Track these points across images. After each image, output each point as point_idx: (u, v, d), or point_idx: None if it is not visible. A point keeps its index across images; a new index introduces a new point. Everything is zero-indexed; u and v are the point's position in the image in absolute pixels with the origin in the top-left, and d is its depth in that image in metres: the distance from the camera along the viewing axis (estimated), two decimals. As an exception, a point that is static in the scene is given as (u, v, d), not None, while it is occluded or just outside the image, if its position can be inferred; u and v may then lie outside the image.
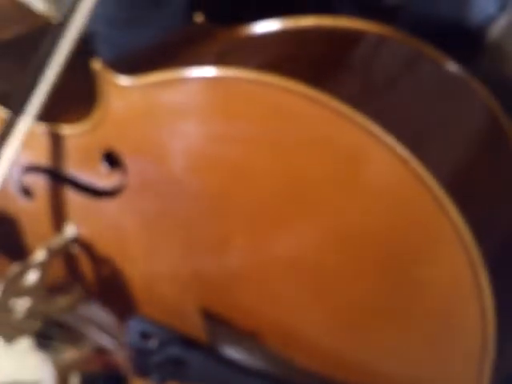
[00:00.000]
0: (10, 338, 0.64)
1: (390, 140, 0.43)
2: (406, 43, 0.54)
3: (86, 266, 0.64)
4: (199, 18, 0.60)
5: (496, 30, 0.65)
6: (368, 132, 0.43)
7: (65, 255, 0.65)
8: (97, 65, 0.53)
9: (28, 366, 1.15)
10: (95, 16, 0.68)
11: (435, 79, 0.54)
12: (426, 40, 0.53)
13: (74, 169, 0.60)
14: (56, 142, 0.60)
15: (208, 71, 0.48)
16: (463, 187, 0.48)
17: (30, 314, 0.63)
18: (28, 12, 0.75)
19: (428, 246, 0.45)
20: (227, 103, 0.48)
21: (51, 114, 0.60)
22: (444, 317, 0.47)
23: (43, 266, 0.61)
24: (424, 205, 0.44)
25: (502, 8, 0.61)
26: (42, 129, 0.61)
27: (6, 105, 0.63)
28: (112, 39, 0.70)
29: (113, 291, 0.64)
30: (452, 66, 0.54)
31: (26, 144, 0.62)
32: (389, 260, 0.46)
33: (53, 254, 0.62)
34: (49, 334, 0.79)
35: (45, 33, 0.74)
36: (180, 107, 0.50)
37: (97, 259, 0.63)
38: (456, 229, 0.43)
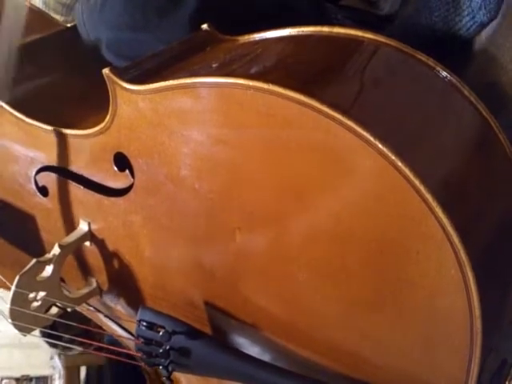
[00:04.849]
0: (24, 329, 0.65)
1: (379, 144, 0.43)
2: (399, 50, 0.54)
3: (98, 260, 0.66)
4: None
5: (483, 36, 0.65)
6: (358, 136, 0.44)
7: (78, 250, 0.67)
8: (107, 71, 0.55)
9: (37, 361, 1.17)
10: (101, 22, 0.70)
11: (427, 85, 0.55)
12: (417, 48, 0.54)
13: (85, 169, 0.62)
14: (70, 144, 0.62)
15: (210, 79, 0.49)
16: (453, 188, 0.48)
17: (45, 306, 0.65)
18: (44, 19, 0.78)
19: (416, 245, 0.45)
20: (228, 110, 0.49)
21: (69, 119, 0.63)
22: (432, 314, 0.47)
23: (57, 261, 0.63)
24: (412, 206, 0.44)
25: (494, 17, 0.61)
26: (57, 132, 0.63)
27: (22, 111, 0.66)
28: (118, 46, 0.70)
29: (123, 285, 0.66)
30: (443, 73, 0.54)
31: (43, 146, 0.65)
32: (376, 258, 0.47)
33: (67, 249, 0.64)
34: (59, 329, 0.80)
35: (58, 37, 0.77)
36: (185, 113, 0.51)
37: (108, 254, 0.65)
38: (444, 229, 0.43)
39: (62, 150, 0.63)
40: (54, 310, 0.67)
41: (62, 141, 0.63)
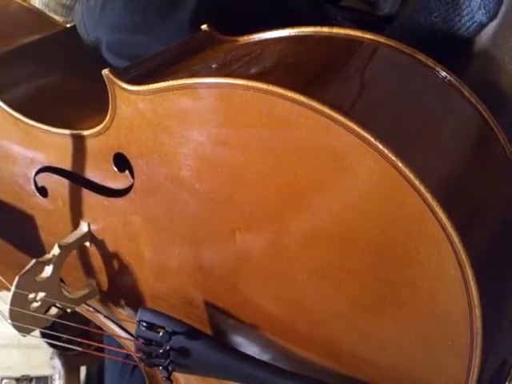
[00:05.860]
0: (24, 330, 0.65)
1: (379, 145, 0.43)
2: (399, 50, 0.54)
3: (97, 261, 0.66)
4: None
5: (483, 36, 0.65)
6: (359, 137, 0.44)
7: (78, 251, 0.67)
8: (106, 72, 0.55)
9: (37, 361, 1.17)
10: (101, 23, 0.70)
11: (427, 85, 0.55)
12: (417, 49, 0.54)
13: (85, 170, 0.62)
14: (70, 144, 0.62)
15: (210, 80, 0.49)
16: (452, 188, 0.48)
17: (45, 306, 0.65)
18: (44, 20, 0.78)
19: (416, 245, 0.45)
20: (228, 110, 0.49)
21: (69, 119, 0.63)
22: (432, 314, 0.47)
23: (57, 261, 0.63)
24: (412, 206, 0.44)
25: (494, 16, 0.61)
26: (56, 132, 0.63)
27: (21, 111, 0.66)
28: (118, 46, 0.70)
29: (123, 286, 0.66)
30: (443, 73, 0.54)
31: (42, 147, 0.65)
32: (377, 258, 0.47)
33: (66, 249, 0.63)
34: (58, 330, 0.80)
35: (58, 38, 0.77)
36: (185, 114, 0.51)
37: (108, 255, 0.65)
38: (444, 229, 0.43)
39: (62, 151, 0.63)
40: (54, 310, 0.67)
41: (64, 142, 0.63)
